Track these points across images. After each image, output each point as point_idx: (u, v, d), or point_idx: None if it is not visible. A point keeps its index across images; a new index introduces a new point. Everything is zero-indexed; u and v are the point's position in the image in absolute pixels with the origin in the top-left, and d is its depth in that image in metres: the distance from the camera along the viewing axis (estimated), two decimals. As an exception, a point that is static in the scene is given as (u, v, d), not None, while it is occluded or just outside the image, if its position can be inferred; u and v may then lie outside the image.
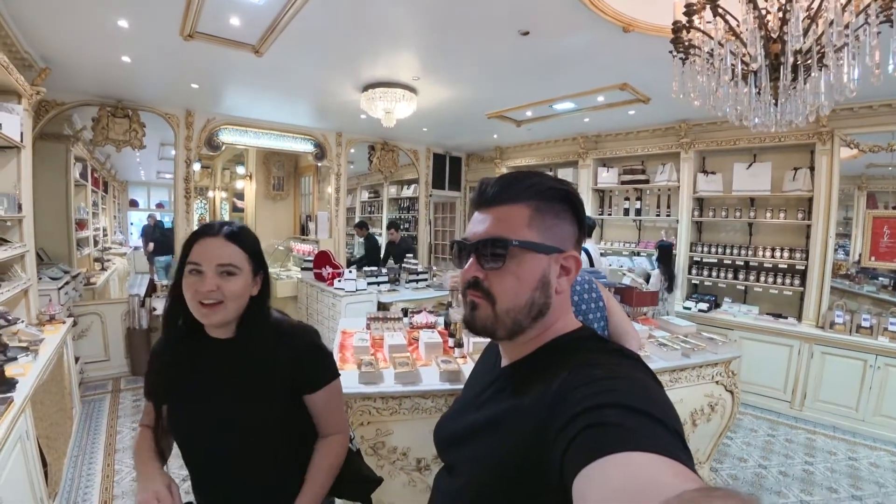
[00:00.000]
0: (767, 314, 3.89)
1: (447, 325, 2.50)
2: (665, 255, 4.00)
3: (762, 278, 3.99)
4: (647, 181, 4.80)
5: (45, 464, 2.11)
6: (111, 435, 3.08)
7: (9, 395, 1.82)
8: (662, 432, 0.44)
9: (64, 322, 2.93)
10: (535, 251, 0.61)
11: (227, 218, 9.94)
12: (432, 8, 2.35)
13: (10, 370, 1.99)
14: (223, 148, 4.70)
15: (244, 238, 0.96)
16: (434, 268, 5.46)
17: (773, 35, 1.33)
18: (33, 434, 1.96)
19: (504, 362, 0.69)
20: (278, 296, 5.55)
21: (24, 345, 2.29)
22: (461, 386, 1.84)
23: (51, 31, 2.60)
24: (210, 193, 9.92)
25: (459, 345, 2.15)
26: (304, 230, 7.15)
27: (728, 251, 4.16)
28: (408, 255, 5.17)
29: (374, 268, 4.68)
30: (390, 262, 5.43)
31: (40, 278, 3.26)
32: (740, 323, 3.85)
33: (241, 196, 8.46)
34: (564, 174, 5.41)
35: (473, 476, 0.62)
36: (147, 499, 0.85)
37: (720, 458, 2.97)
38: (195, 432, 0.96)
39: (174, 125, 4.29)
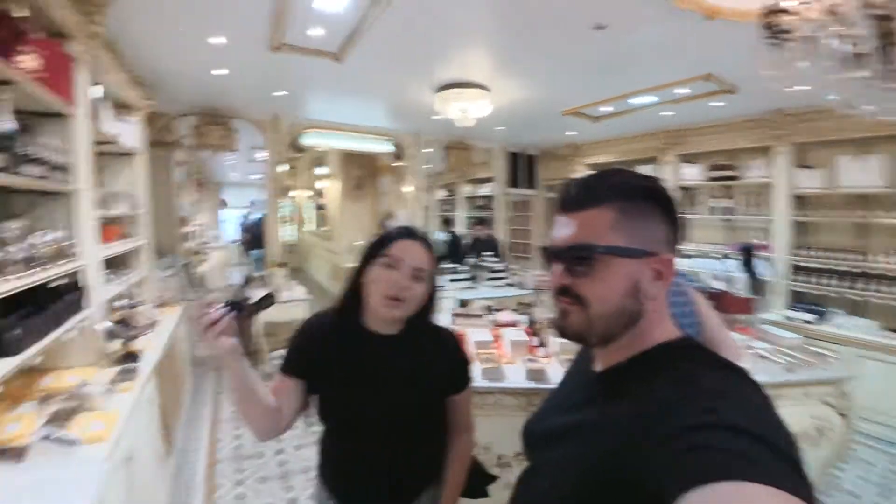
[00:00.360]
0: (889, 330, 3.38)
1: (530, 323, 2.50)
2: (749, 257, 3.72)
3: (881, 288, 3.46)
4: (736, 177, 4.38)
5: (164, 426, 2.41)
6: (215, 407, 3.45)
7: (137, 364, 2.11)
8: (777, 460, 0.41)
9: (176, 306, 3.32)
10: (623, 256, 0.58)
11: (310, 215, 10.63)
12: (504, 10, 2.36)
13: (136, 346, 2.30)
14: (307, 150, 5.05)
15: (434, 249, 1.05)
16: (511, 266, 5.44)
17: (882, 12, 1.14)
18: (156, 400, 2.24)
19: (598, 367, 0.67)
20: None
21: (147, 324, 2.63)
22: (545, 385, 1.86)
23: (158, 50, 2.92)
24: (294, 192, 10.70)
25: (543, 344, 2.14)
26: (382, 227, 7.46)
27: (837, 256, 3.66)
28: (484, 252, 5.11)
29: (453, 265, 4.73)
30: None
31: (155, 268, 3.72)
32: (854, 338, 3.37)
33: (322, 195, 9.04)
34: (644, 171, 5.09)
35: (558, 480, 0.61)
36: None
37: (829, 491, 2.63)
38: (353, 415, 1.03)
39: (263, 130, 4.68)
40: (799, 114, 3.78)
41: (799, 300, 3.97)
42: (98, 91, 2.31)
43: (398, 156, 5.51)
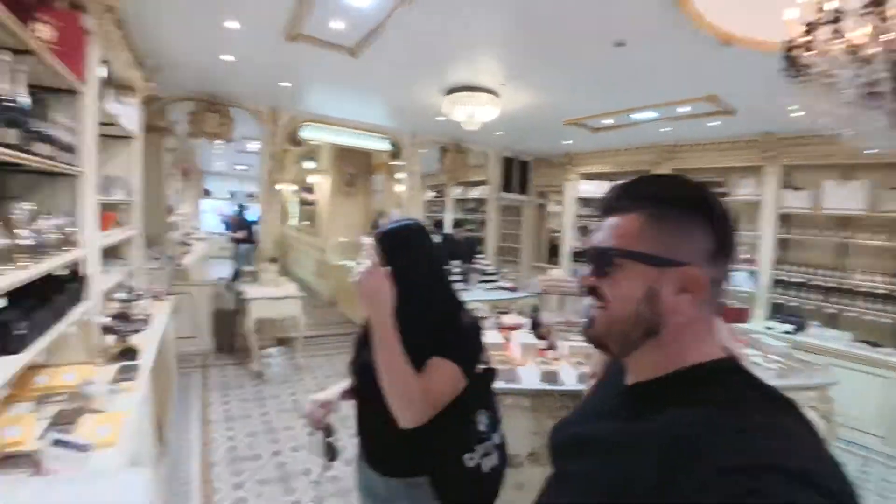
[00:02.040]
0: (861, 341, 3.60)
1: (535, 326, 2.52)
2: None
3: (856, 303, 3.69)
4: (726, 194, 4.57)
5: (157, 427, 2.30)
6: (205, 406, 3.32)
7: (137, 362, 2.00)
8: None
9: (167, 299, 3.18)
10: (641, 262, 0.56)
11: (294, 210, 10.33)
12: (528, 21, 2.38)
13: (132, 340, 2.19)
14: (303, 143, 4.94)
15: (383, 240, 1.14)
16: (502, 269, 5.47)
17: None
18: (150, 399, 2.13)
19: (629, 380, 0.64)
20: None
21: (142, 318, 2.51)
22: (559, 387, 1.89)
23: (167, 30, 2.79)
24: (280, 186, 10.40)
25: (552, 347, 2.16)
26: (375, 226, 7.39)
27: (816, 272, 3.89)
28: (454, 259, 5.03)
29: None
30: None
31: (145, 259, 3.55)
32: (830, 348, 3.57)
33: (309, 190, 8.80)
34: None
35: (581, 494, 0.58)
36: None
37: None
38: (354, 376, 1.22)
39: (261, 121, 4.53)
40: (789, 137, 3.98)
41: (779, 311, 4.18)
42: (103, 70, 2.19)
43: (395, 154, 5.47)
